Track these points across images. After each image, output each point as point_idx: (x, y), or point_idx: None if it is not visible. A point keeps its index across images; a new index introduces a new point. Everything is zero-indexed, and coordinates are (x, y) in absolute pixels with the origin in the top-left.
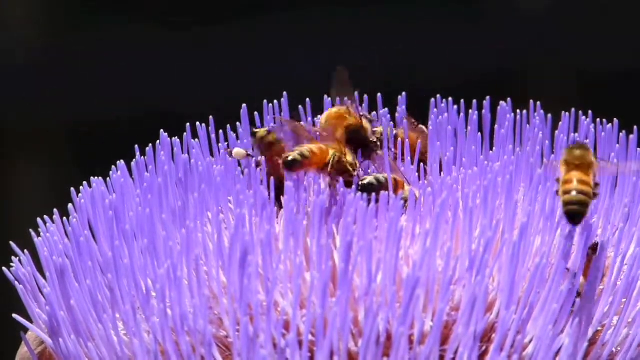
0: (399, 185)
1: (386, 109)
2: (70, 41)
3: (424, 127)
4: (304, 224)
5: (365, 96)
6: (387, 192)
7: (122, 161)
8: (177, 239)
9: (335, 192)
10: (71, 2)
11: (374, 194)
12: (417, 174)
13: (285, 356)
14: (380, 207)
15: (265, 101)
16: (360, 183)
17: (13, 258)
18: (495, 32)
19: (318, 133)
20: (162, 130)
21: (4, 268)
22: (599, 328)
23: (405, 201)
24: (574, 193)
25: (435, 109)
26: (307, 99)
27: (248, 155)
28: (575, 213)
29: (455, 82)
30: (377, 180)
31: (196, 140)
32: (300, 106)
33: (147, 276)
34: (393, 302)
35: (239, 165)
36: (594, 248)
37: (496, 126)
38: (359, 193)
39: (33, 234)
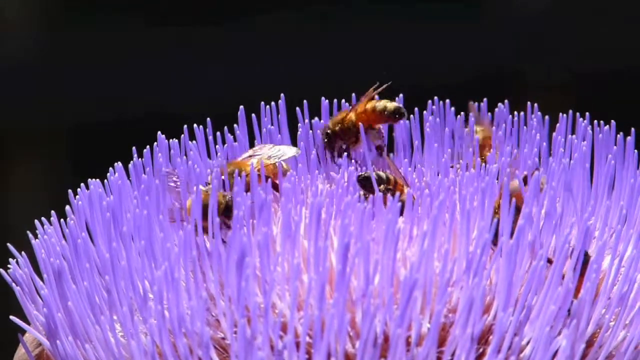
0: (398, 187)
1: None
2: (69, 42)
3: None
4: (301, 225)
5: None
6: (383, 193)
7: (119, 163)
8: (175, 241)
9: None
10: (71, 3)
11: (372, 197)
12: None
13: (282, 358)
14: (378, 208)
15: (262, 103)
16: (359, 175)
17: (10, 260)
18: (495, 32)
19: None
20: (159, 132)
21: (1, 270)
22: (597, 330)
23: (403, 204)
24: None
25: (433, 110)
26: (305, 101)
27: None
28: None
29: (454, 82)
30: (378, 175)
31: (194, 142)
32: (297, 107)
33: (145, 278)
34: (390, 304)
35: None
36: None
37: (493, 128)
38: (357, 194)
39: (30, 235)
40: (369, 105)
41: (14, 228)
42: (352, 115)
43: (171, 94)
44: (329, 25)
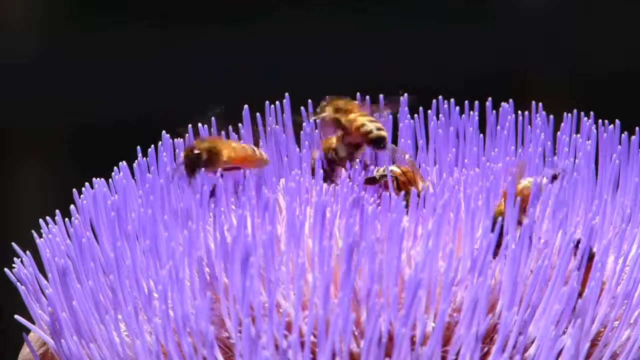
0: (409, 180)
1: (388, 111)
2: (70, 41)
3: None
4: (306, 225)
5: (367, 97)
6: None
7: (124, 162)
8: (179, 240)
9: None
10: (71, 3)
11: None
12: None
13: (287, 357)
14: (382, 208)
15: (267, 102)
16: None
17: (15, 259)
18: (495, 32)
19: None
20: (164, 131)
21: (5, 269)
22: (601, 329)
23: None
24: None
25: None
26: (309, 100)
27: None
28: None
29: (455, 82)
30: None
31: None
32: (302, 107)
33: (149, 277)
34: (395, 304)
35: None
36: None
37: (498, 127)
38: (362, 194)
39: (35, 235)
40: (355, 125)
41: (14, 228)
42: (332, 141)
43: (171, 94)
44: (330, 25)
